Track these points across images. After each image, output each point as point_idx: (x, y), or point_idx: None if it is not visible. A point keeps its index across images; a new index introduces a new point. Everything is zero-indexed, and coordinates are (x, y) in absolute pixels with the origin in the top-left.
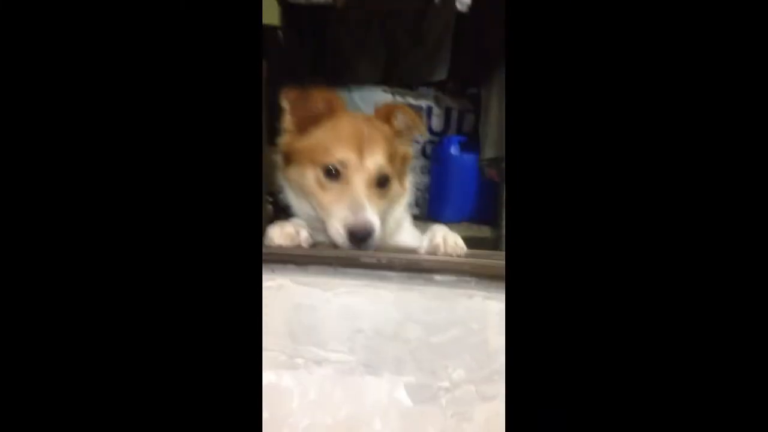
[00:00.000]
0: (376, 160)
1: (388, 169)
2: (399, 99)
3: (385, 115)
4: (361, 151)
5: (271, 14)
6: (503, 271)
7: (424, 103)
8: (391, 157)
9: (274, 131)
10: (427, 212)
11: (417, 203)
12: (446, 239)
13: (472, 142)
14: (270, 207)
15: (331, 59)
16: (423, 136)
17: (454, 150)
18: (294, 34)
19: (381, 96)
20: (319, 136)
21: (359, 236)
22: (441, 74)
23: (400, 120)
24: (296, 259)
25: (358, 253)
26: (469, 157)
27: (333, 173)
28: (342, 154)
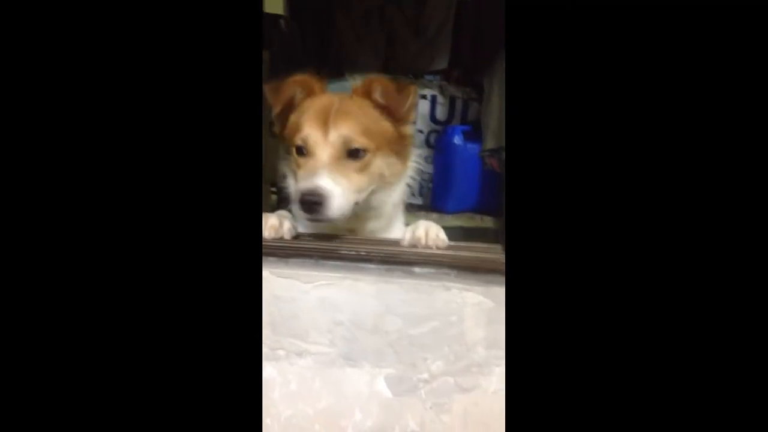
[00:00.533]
0: (340, 133)
1: (360, 142)
2: None
3: (364, 90)
4: (326, 125)
5: (275, 3)
6: (481, 263)
7: (428, 92)
8: (368, 132)
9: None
10: (430, 202)
11: (420, 193)
12: (428, 232)
13: (476, 132)
14: (273, 197)
15: (333, 48)
16: (403, 106)
17: (457, 140)
18: (296, 23)
19: None
20: (293, 118)
21: (308, 200)
22: (441, 63)
23: (379, 94)
24: (276, 251)
25: (338, 245)
26: (472, 147)
27: (302, 150)
28: (306, 130)
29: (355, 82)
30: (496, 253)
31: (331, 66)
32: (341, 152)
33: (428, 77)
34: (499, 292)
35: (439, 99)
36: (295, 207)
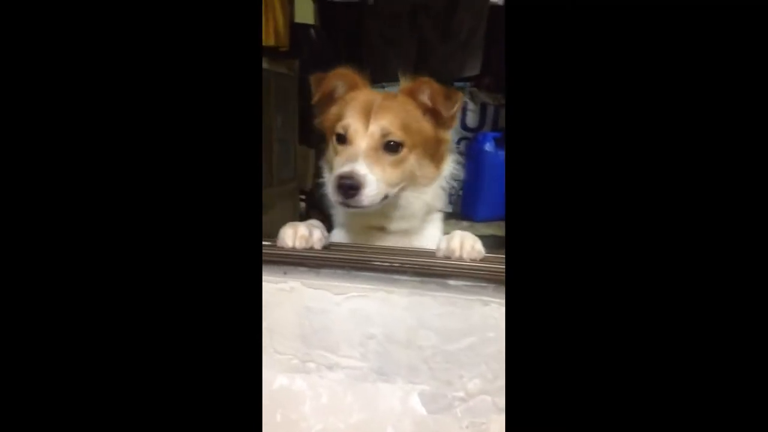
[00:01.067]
0: (381, 125)
1: (398, 136)
2: None
3: (411, 91)
4: (367, 117)
5: (305, 12)
6: None
7: None
8: (407, 128)
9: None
10: (461, 210)
11: (450, 201)
12: (463, 243)
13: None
14: (302, 204)
15: (364, 55)
16: (448, 112)
17: (488, 147)
18: (326, 31)
19: None
20: (335, 109)
21: (344, 184)
22: (474, 69)
23: (425, 95)
24: (308, 261)
25: (371, 256)
26: (504, 154)
27: (342, 138)
28: (348, 119)
29: (391, 87)
30: None
31: (363, 72)
32: (379, 144)
33: (458, 84)
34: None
35: (470, 106)
36: (331, 192)
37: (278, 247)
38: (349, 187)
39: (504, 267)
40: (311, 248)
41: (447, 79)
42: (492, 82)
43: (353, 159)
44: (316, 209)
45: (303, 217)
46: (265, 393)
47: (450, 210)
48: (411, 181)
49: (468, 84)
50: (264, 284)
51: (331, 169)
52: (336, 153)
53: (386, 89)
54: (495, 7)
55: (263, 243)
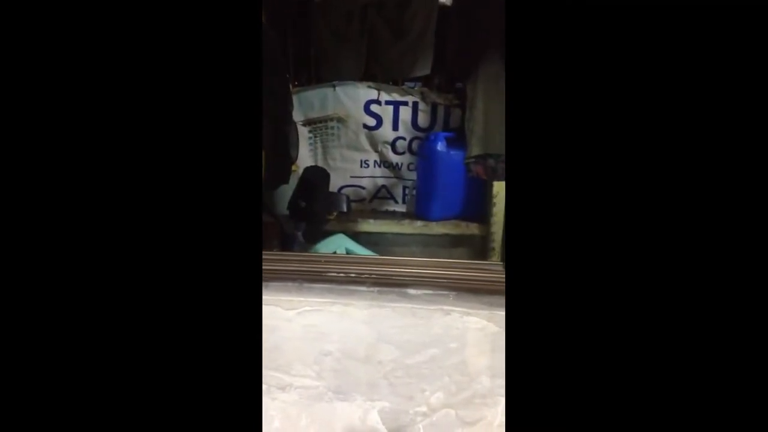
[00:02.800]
0: None
1: None
2: (384, 95)
3: None
4: None
5: None
6: (483, 284)
7: (410, 99)
8: None
9: None
10: (415, 210)
11: (404, 201)
12: None
13: (459, 139)
14: None
15: (314, 54)
16: None
17: (440, 146)
18: (275, 30)
19: (366, 92)
20: None
21: None
22: (425, 68)
23: None
24: None
25: (325, 267)
26: (456, 154)
27: None
28: None
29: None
30: (498, 272)
31: (312, 71)
32: None
33: (409, 84)
34: (503, 315)
35: (421, 106)
36: None
37: None
38: None
39: (463, 274)
40: None
41: (399, 78)
42: (442, 82)
43: None
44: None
45: None
46: None
47: (404, 210)
48: None
49: (418, 84)
50: None
51: None
52: None
53: (337, 89)
54: (444, 7)
55: None
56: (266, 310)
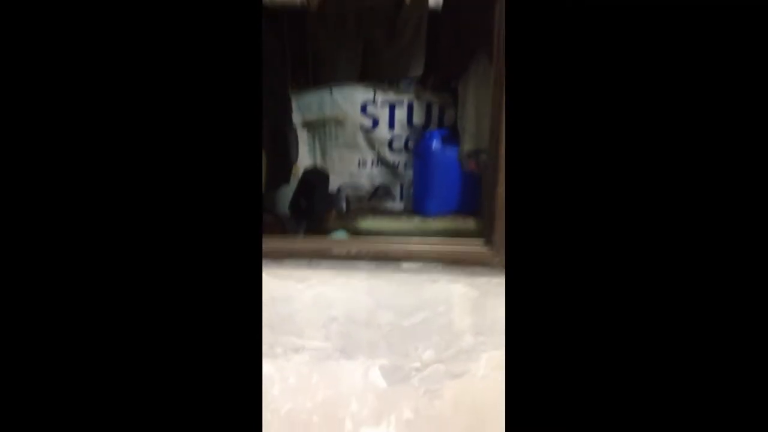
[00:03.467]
0: None
1: None
2: (380, 96)
3: None
4: None
5: None
6: (465, 256)
7: (405, 98)
8: None
9: None
10: (412, 206)
11: (401, 197)
12: None
13: (453, 136)
14: None
15: (311, 58)
16: None
17: (435, 144)
18: (273, 33)
19: (362, 93)
20: None
21: None
22: (418, 69)
23: None
24: (272, 253)
25: (330, 245)
26: (450, 151)
27: None
28: None
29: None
30: (478, 246)
31: (309, 73)
32: None
33: (403, 84)
34: (482, 282)
35: (416, 105)
36: None
37: None
38: None
39: (448, 248)
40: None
41: (394, 78)
42: (436, 82)
43: None
44: (270, 212)
45: None
46: None
47: (402, 207)
48: None
49: (412, 84)
50: None
51: None
52: None
53: (334, 92)
54: (434, 11)
55: None
56: (281, 283)
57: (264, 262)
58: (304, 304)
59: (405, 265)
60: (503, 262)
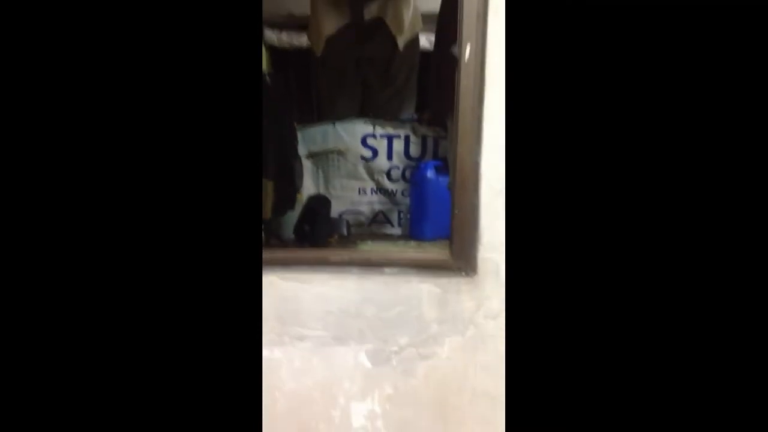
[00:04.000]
0: None
1: None
2: (379, 129)
3: None
4: None
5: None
6: (432, 262)
7: (402, 132)
8: None
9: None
10: (409, 232)
11: (399, 224)
12: None
13: (446, 166)
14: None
15: (315, 96)
16: None
17: (430, 174)
18: (281, 76)
19: (362, 127)
20: None
21: None
22: (409, 110)
23: None
24: (282, 261)
25: (328, 254)
26: (444, 180)
27: None
28: None
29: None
30: (442, 254)
31: (316, 113)
32: None
33: (404, 118)
34: (445, 282)
35: (412, 138)
36: None
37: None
38: None
39: (419, 257)
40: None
41: (388, 118)
42: (431, 117)
43: None
44: (276, 237)
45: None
46: None
47: (399, 232)
48: None
49: (411, 118)
50: None
51: None
52: None
53: (337, 125)
54: (425, 52)
55: None
56: (289, 285)
57: (276, 268)
58: (307, 301)
59: (386, 269)
60: (462, 267)
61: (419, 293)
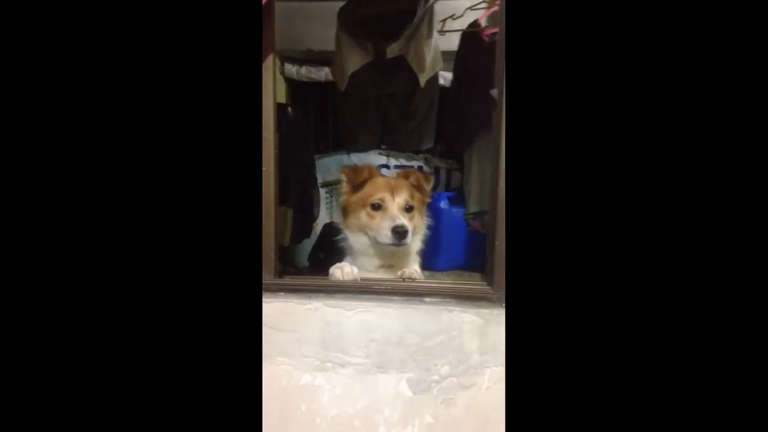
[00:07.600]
0: (402, 196)
1: (411, 202)
2: (393, 161)
3: (406, 175)
4: (392, 192)
5: (279, 94)
6: (473, 293)
7: (415, 163)
8: (412, 196)
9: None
10: (423, 262)
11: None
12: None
13: (459, 197)
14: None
15: (335, 131)
16: (427, 187)
17: (443, 204)
18: (300, 108)
19: (376, 158)
20: (366, 189)
21: (400, 231)
22: (428, 143)
23: (413, 179)
24: (327, 288)
25: (370, 282)
26: (457, 211)
27: (377, 206)
28: (381, 194)
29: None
30: (482, 285)
31: (332, 143)
32: (403, 207)
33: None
34: (486, 312)
35: (425, 169)
36: (386, 237)
37: (306, 278)
38: (403, 233)
39: (460, 287)
40: (353, 280)
41: (408, 150)
42: (444, 149)
43: (397, 217)
44: (291, 264)
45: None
46: (293, 388)
47: None
48: (415, 228)
49: (426, 152)
50: (295, 306)
51: (362, 228)
52: (371, 217)
53: (351, 155)
54: (443, 88)
55: (292, 276)
56: (333, 311)
57: (320, 295)
58: (350, 328)
59: (427, 299)
60: (501, 298)
61: (461, 323)
